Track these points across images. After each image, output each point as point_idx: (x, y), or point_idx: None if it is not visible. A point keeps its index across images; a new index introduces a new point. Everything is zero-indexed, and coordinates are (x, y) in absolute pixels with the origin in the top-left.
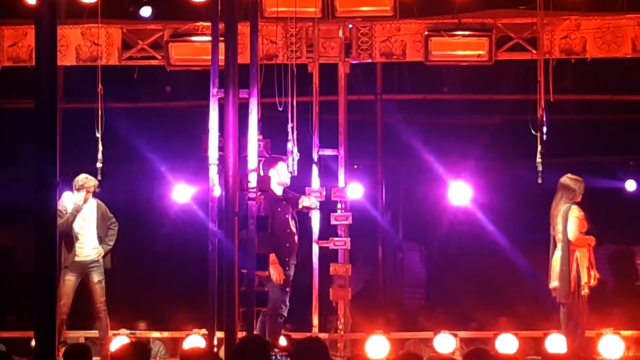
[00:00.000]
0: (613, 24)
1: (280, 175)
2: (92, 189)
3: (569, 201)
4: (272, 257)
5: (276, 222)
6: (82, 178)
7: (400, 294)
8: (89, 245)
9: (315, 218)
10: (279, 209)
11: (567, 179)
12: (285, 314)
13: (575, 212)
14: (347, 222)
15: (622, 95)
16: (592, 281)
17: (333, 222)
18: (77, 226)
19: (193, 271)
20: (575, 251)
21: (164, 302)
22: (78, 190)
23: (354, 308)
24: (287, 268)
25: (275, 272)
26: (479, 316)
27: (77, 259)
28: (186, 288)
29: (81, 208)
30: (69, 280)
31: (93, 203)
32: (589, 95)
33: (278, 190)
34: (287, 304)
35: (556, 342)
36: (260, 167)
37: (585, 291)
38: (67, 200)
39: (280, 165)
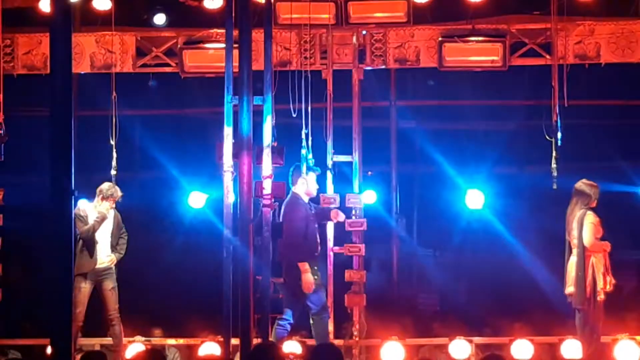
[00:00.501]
0: (627, 29)
1: (309, 186)
2: (118, 199)
3: (584, 207)
4: (305, 266)
5: (308, 231)
6: (109, 187)
7: (415, 300)
8: (103, 253)
9: (330, 225)
10: (311, 218)
11: (582, 184)
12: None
13: (590, 218)
14: (361, 229)
15: (637, 100)
16: (607, 287)
17: (348, 228)
18: (95, 234)
19: (208, 278)
20: (590, 257)
21: (179, 308)
22: (106, 199)
23: (369, 314)
24: (317, 277)
25: (307, 282)
26: (494, 322)
27: (90, 266)
28: (201, 295)
29: (106, 217)
30: (84, 287)
31: (111, 212)
32: (603, 100)
33: (305, 199)
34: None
35: (572, 348)
36: (291, 174)
37: (601, 297)
38: (87, 207)
39: (311, 175)
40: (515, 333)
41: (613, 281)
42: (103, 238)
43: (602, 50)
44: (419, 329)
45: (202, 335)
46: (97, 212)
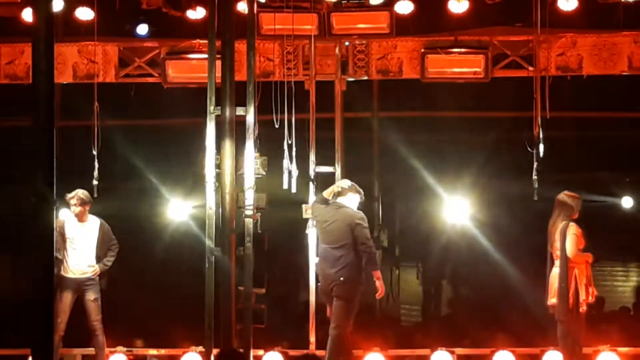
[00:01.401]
0: (609, 41)
1: (351, 203)
2: (72, 202)
3: (567, 218)
4: (379, 273)
5: None
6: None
7: (397, 312)
8: (85, 263)
9: (312, 234)
10: None
11: (564, 196)
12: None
13: (573, 230)
14: None
15: (619, 112)
16: (590, 298)
17: None
18: (77, 243)
19: (190, 288)
20: (573, 268)
21: (161, 319)
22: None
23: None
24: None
25: (383, 287)
26: (475, 333)
27: (73, 276)
28: (183, 305)
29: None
30: (66, 297)
31: (96, 222)
32: (585, 112)
33: None
34: None
35: (553, 359)
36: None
37: (583, 308)
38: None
39: (358, 197)
40: (496, 344)
41: (595, 292)
42: (86, 248)
43: (585, 62)
44: (400, 340)
45: (184, 346)
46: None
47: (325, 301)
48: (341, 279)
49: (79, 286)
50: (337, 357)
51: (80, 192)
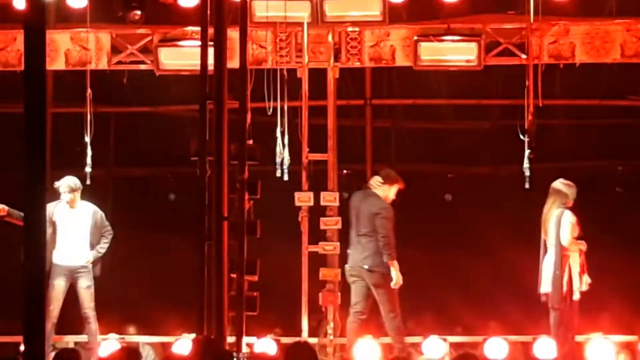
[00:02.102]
0: (602, 29)
1: (390, 196)
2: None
3: (562, 206)
4: (396, 263)
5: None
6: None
7: None
8: (77, 250)
9: (305, 222)
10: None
11: (559, 183)
12: None
13: (568, 217)
14: (336, 227)
15: (611, 100)
16: (583, 286)
17: (322, 226)
18: (68, 230)
19: (183, 275)
20: (567, 256)
21: (153, 306)
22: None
23: (344, 313)
24: None
25: (399, 277)
26: (468, 320)
27: (65, 263)
28: (176, 292)
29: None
30: (58, 284)
31: (89, 209)
32: (577, 100)
33: None
34: None
35: (546, 347)
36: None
37: (576, 296)
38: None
39: (395, 188)
40: (489, 331)
41: (589, 280)
42: (79, 236)
43: (577, 50)
44: None
45: (177, 333)
46: None
47: (353, 283)
48: (365, 266)
49: (72, 273)
50: (402, 341)
51: (69, 179)
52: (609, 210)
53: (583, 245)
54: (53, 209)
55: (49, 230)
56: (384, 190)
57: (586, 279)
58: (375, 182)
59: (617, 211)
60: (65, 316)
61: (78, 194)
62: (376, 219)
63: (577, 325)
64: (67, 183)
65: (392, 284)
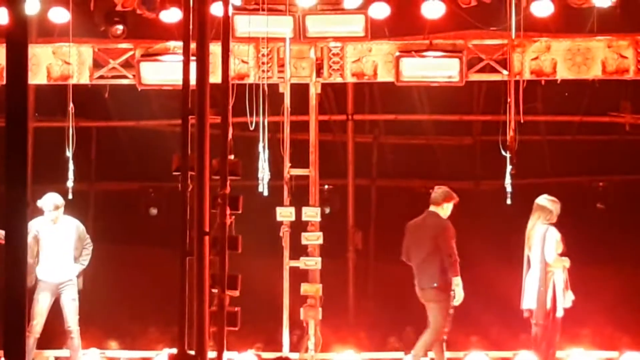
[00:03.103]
0: (583, 45)
1: (448, 213)
2: (46, 207)
3: (546, 222)
4: (459, 280)
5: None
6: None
7: (371, 314)
8: (63, 265)
9: (286, 237)
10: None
11: (544, 199)
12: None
13: (553, 234)
14: (318, 242)
15: (592, 116)
16: (567, 303)
17: (304, 241)
18: (53, 246)
19: (164, 289)
20: (551, 272)
21: (135, 321)
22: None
23: (325, 328)
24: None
25: (462, 294)
26: (449, 336)
27: (49, 279)
28: (157, 307)
29: None
30: (43, 300)
31: (72, 224)
32: (559, 116)
33: None
34: None
35: None
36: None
37: (560, 313)
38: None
39: (451, 204)
40: (470, 347)
41: (572, 297)
42: (64, 250)
43: (559, 67)
44: (374, 342)
45: (158, 348)
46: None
47: (425, 304)
48: (434, 285)
49: (56, 288)
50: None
51: (52, 197)
52: (590, 226)
53: (567, 262)
54: (38, 227)
55: (34, 248)
56: (442, 209)
57: (570, 295)
58: (433, 200)
59: (598, 227)
60: (46, 331)
61: (61, 210)
62: (439, 238)
63: (559, 341)
64: (51, 201)
65: (454, 301)
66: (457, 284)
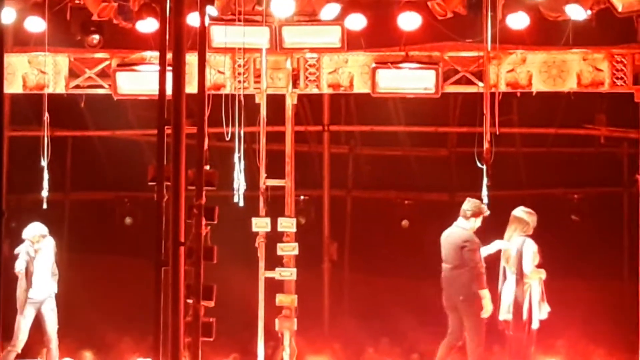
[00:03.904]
0: (559, 58)
1: (476, 226)
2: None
3: (522, 234)
4: (486, 292)
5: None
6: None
7: (346, 325)
8: (46, 283)
9: (262, 248)
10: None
11: (521, 211)
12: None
13: (530, 246)
14: (293, 253)
15: (568, 129)
16: (542, 314)
17: (279, 252)
18: (38, 266)
19: (139, 300)
20: (528, 284)
21: (110, 331)
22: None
23: (300, 338)
24: None
25: (490, 306)
26: (424, 346)
27: (36, 297)
28: (132, 317)
29: None
30: (29, 316)
31: (50, 243)
32: (534, 128)
33: None
34: None
35: None
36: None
37: (536, 324)
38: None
39: (481, 218)
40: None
41: (548, 309)
42: (45, 270)
43: (534, 79)
44: (350, 354)
45: (132, 358)
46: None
47: (450, 314)
48: (460, 298)
49: (40, 304)
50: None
51: (37, 228)
52: (564, 238)
53: (543, 274)
54: (28, 252)
55: (26, 273)
56: (470, 222)
57: (545, 307)
58: (462, 213)
59: (573, 239)
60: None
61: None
62: (463, 251)
63: (533, 353)
64: (37, 232)
65: (482, 313)
66: (484, 296)
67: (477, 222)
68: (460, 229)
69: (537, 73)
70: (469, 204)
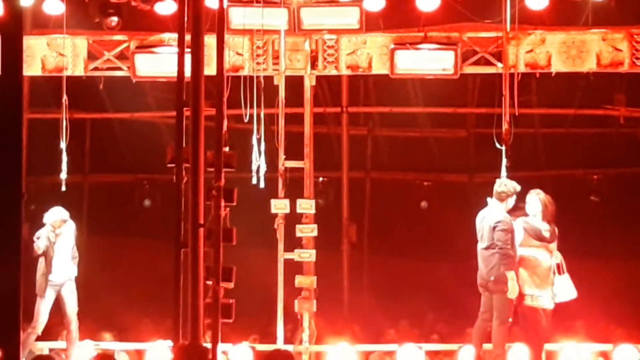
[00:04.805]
0: (578, 38)
1: (509, 206)
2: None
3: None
4: (513, 274)
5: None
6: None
7: (366, 306)
8: (67, 266)
9: (281, 229)
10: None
11: (546, 199)
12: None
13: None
14: (312, 234)
15: (587, 109)
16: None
17: (298, 234)
18: (59, 249)
19: (159, 282)
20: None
21: (129, 313)
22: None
23: (319, 320)
24: None
25: (516, 288)
26: (444, 328)
27: (56, 279)
28: (152, 299)
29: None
30: (49, 298)
31: (71, 227)
32: (553, 109)
33: None
34: None
35: (519, 354)
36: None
37: (551, 305)
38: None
39: (514, 197)
40: (464, 339)
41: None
42: (66, 253)
43: (553, 59)
44: (368, 335)
45: (152, 340)
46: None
47: (482, 293)
48: (492, 278)
49: (60, 286)
50: (501, 349)
51: (58, 213)
52: (584, 219)
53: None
54: (48, 236)
55: (45, 258)
56: (502, 202)
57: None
58: (496, 194)
59: (592, 220)
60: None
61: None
62: (494, 231)
63: (551, 333)
64: (59, 217)
65: (508, 294)
66: (511, 277)
67: (510, 202)
68: (494, 210)
69: (557, 53)
70: (504, 187)
